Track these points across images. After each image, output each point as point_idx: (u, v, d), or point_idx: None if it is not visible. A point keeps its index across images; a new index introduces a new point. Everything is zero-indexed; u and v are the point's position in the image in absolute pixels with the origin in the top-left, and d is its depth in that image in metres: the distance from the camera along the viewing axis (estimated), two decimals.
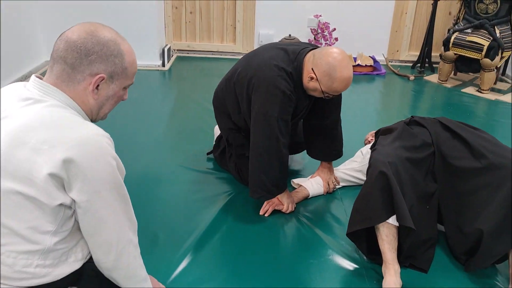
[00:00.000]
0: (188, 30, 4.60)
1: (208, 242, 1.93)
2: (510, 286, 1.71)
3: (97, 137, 1.10)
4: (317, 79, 1.91)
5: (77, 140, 1.06)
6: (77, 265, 1.18)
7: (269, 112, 1.95)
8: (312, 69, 1.92)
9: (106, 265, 1.17)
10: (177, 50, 4.65)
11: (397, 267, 1.69)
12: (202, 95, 3.54)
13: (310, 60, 1.95)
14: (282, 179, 2.11)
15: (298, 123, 2.35)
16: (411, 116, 2.18)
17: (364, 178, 2.37)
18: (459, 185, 1.82)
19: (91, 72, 1.14)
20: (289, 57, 2.00)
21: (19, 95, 1.13)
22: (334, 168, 2.38)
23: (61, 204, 1.08)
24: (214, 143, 2.61)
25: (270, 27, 4.59)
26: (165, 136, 2.90)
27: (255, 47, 4.66)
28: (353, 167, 2.37)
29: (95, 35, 1.14)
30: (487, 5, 3.74)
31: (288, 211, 2.15)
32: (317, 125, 2.24)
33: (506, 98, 3.88)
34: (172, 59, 4.46)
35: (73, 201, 1.08)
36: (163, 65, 4.24)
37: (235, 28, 4.58)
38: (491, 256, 1.72)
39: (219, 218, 2.09)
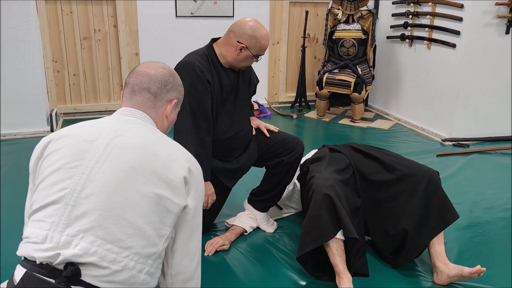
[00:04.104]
0: (73, 93, 4.48)
1: None
2: (434, 274, 2.04)
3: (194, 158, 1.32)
4: (246, 47, 2.15)
5: (188, 156, 1.29)
6: (155, 283, 1.23)
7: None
8: (238, 41, 2.15)
9: (186, 274, 1.27)
10: (63, 113, 4.48)
11: (349, 275, 1.92)
12: None
13: (229, 39, 2.17)
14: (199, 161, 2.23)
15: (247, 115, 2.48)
16: (322, 145, 2.49)
17: (293, 205, 2.61)
18: (380, 196, 2.15)
19: (168, 99, 1.37)
20: (204, 47, 2.26)
21: (119, 120, 1.28)
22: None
23: (185, 207, 1.22)
24: None
25: None
26: None
27: None
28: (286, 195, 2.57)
29: (167, 69, 1.39)
30: (348, 48, 4.42)
31: (206, 204, 2.22)
32: None
33: (375, 124, 4.55)
34: (60, 123, 4.29)
35: (186, 206, 1.23)
36: (52, 130, 4.05)
37: (122, 86, 4.60)
38: (416, 249, 2.07)
39: None
